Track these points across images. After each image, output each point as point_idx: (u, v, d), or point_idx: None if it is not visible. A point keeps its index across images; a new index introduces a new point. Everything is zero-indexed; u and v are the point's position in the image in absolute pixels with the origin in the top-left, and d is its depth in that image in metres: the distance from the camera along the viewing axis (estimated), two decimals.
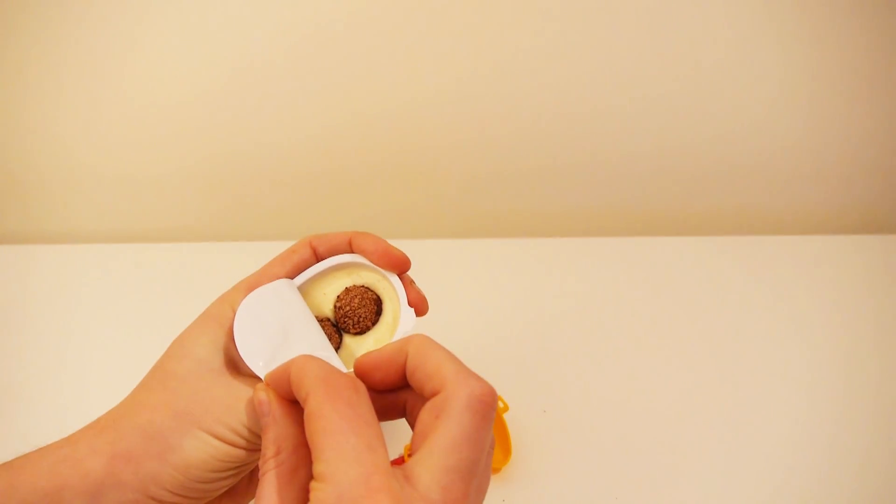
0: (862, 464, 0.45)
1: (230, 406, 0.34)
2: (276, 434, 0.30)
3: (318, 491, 0.25)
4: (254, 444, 0.34)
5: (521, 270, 0.69)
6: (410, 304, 0.39)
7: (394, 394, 0.33)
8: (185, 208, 0.80)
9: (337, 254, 0.41)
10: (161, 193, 0.80)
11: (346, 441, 0.26)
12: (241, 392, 0.35)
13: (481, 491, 0.28)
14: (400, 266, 0.40)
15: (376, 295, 0.40)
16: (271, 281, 0.39)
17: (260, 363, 0.35)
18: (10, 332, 0.58)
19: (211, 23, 0.72)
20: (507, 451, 0.47)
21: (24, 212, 0.81)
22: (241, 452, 0.34)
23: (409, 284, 0.40)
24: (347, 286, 0.41)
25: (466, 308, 0.63)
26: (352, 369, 0.34)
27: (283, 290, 0.39)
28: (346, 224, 0.81)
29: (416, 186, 0.79)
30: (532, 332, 0.60)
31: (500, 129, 0.77)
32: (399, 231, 0.81)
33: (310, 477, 0.27)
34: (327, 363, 0.30)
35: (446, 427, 0.27)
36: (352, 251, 0.42)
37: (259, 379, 0.35)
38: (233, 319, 0.37)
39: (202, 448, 0.33)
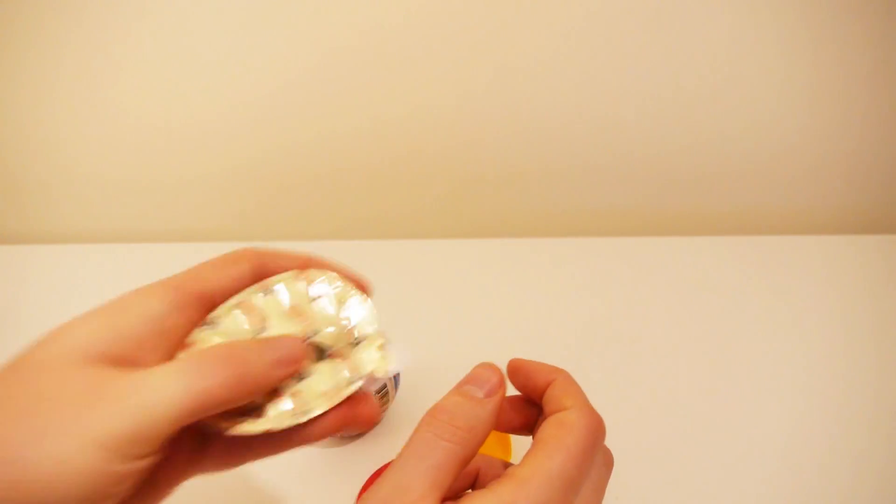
0: (862, 464, 0.45)
1: (117, 406, 0.25)
2: (488, 414, 0.29)
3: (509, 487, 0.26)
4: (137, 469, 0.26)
5: (521, 270, 0.69)
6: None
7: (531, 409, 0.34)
8: (185, 209, 0.80)
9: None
10: (160, 194, 0.79)
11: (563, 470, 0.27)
12: (133, 388, 0.26)
13: None
14: (364, 290, 0.36)
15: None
16: (203, 285, 0.32)
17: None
18: (10, 332, 0.58)
19: (213, 27, 0.72)
20: (506, 450, 0.47)
21: (23, 212, 0.81)
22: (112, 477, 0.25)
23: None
24: None
25: (466, 308, 0.63)
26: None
27: None
28: (345, 226, 0.80)
29: (416, 187, 0.79)
30: (532, 331, 0.60)
31: (501, 130, 0.77)
32: (399, 231, 0.80)
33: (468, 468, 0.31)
34: None
35: (567, 435, 0.28)
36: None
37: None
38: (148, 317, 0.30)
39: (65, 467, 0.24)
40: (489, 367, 0.32)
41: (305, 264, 0.35)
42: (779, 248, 0.72)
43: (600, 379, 0.53)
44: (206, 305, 0.32)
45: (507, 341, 0.58)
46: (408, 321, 0.61)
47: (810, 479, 0.44)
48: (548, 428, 0.29)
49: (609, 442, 0.47)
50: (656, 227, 0.79)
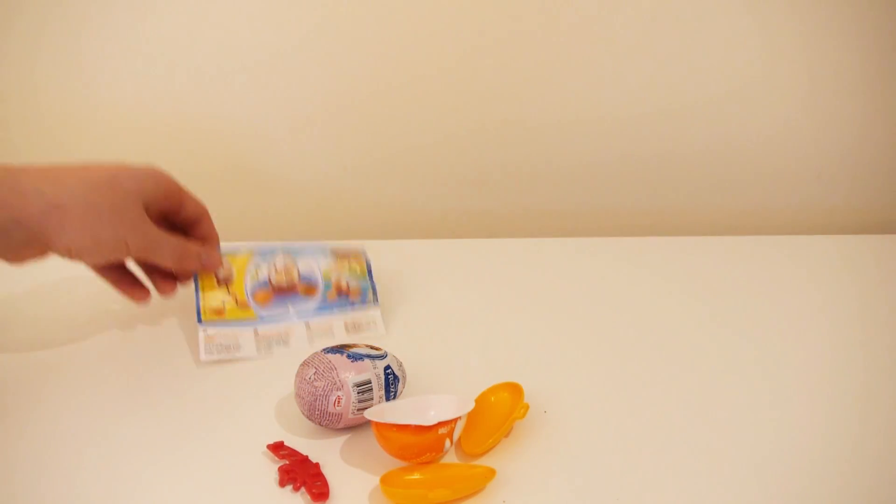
0: (863, 464, 0.45)
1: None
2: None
3: None
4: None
5: (521, 270, 0.69)
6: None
7: None
8: None
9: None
10: None
11: None
12: (151, 227, 0.52)
13: None
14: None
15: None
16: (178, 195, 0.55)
17: None
18: (10, 332, 0.58)
19: (204, 23, 0.72)
20: (519, 396, 0.48)
21: None
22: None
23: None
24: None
25: (466, 308, 0.63)
26: None
27: None
28: (346, 226, 0.80)
29: (417, 187, 0.79)
30: (532, 331, 0.60)
31: (502, 130, 0.77)
32: (401, 231, 0.80)
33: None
34: None
35: None
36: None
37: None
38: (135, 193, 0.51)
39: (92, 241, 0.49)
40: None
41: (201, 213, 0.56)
42: (779, 248, 0.72)
43: (600, 378, 0.53)
44: (178, 208, 0.55)
45: (506, 341, 0.58)
46: (409, 321, 0.61)
47: (812, 479, 0.44)
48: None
49: (610, 441, 0.47)
50: (656, 227, 0.79)
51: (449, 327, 0.60)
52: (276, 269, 0.57)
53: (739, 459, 0.45)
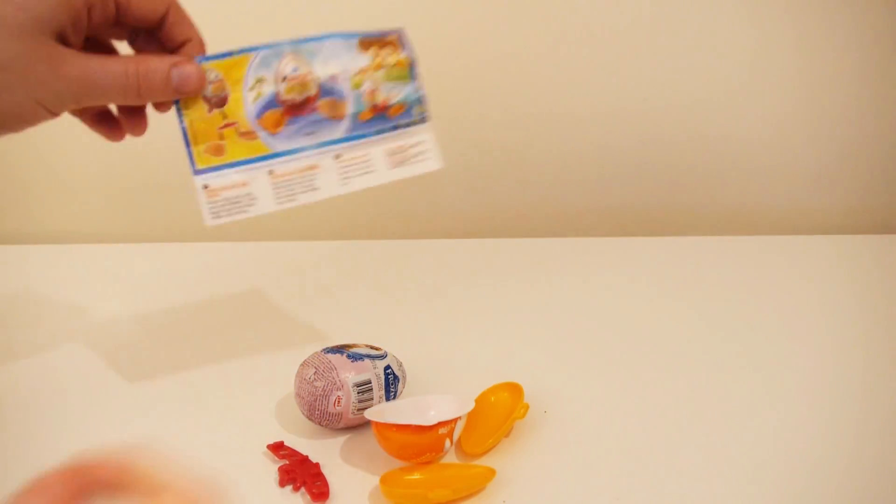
0: (863, 464, 0.45)
1: (61, 78, 0.36)
2: None
3: None
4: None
5: (521, 270, 0.69)
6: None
7: None
8: (184, 208, 0.80)
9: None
10: (161, 193, 0.79)
11: None
12: (76, 68, 0.37)
13: None
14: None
15: None
16: None
17: None
18: (11, 332, 0.58)
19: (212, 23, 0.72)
20: (519, 396, 0.48)
21: (24, 212, 0.81)
22: (48, 117, 0.37)
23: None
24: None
25: (467, 308, 0.63)
26: None
27: None
28: (346, 225, 0.80)
29: (418, 187, 0.79)
30: (532, 331, 0.60)
31: (502, 130, 0.77)
32: (401, 231, 0.80)
33: None
34: None
35: None
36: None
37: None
38: (81, 4, 0.38)
39: (16, 107, 0.36)
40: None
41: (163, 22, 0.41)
42: (779, 248, 0.72)
43: (601, 379, 0.53)
44: (116, 13, 0.39)
45: (506, 341, 0.58)
46: (409, 321, 0.61)
47: (811, 479, 0.44)
48: None
49: (610, 441, 0.47)
50: (656, 227, 0.79)
51: (449, 327, 0.60)
52: (285, 78, 0.42)
53: (739, 459, 0.45)
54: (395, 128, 0.43)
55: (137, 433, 0.47)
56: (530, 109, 0.76)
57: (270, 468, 0.44)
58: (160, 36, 0.41)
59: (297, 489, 0.42)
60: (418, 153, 0.44)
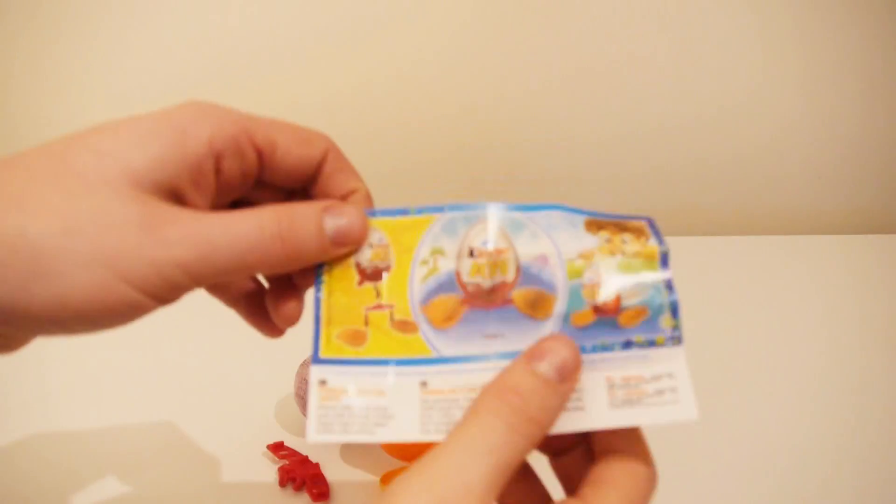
0: (863, 465, 0.45)
1: (161, 246, 0.24)
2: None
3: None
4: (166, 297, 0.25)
5: None
6: None
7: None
8: None
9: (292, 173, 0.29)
10: None
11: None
12: (184, 232, 0.24)
13: None
14: None
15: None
16: (268, 140, 0.28)
17: None
18: None
19: (205, 19, 0.72)
20: None
21: None
22: (149, 304, 0.25)
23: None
24: None
25: None
26: None
27: None
28: None
29: (421, 187, 0.79)
30: None
31: (505, 130, 0.77)
32: None
33: None
34: None
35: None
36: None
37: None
38: (205, 153, 0.26)
39: (95, 288, 0.24)
40: (563, 340, 0.25)
41: (348, 195, 0.30)
42: (779, 248, 0.72)
43: None
44: (258, 164, 0.28)
45: None
46: None
47: (811, 480, 0.44)
48: (621, 477, 0.26)
49: None
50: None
51: None
52: (472, 253, 0.28)
53: (739, 459, 0.45)
54: (629, 345, 0.28)
55: (137, 433, 0.47)
56: (534, 110, 0.75)
57: (270, 468, 0.44)
58: (314, 192, 0.30)
59: (297, 489, 0.42)
60: (660, 391, 0.28)
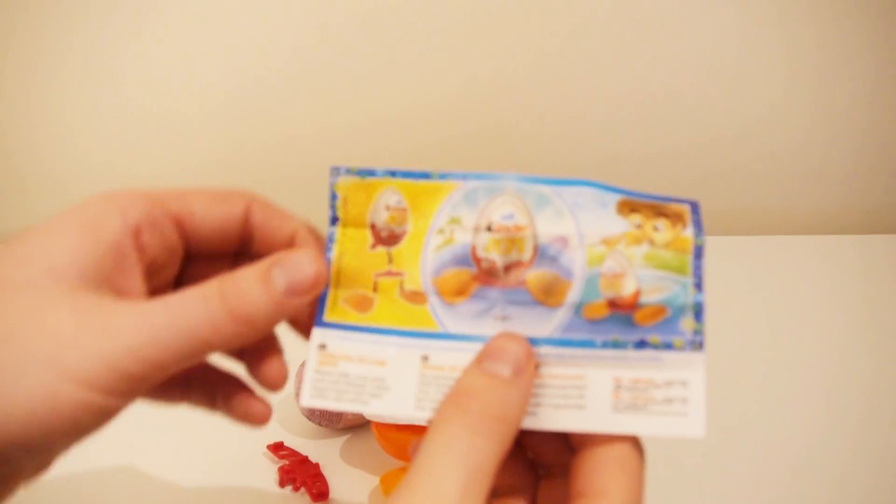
0: (864, 465, 0.45)
1: (103, 336, 0.23)
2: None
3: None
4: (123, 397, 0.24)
5: None
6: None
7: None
8: None
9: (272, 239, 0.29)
10: None
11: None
12: (124, 319, 0.23)
13: None
14: None
15: None
16: (185, 209, 0.27)
17: None
18: None
19: (214, 23, 0.72)
20: None
21: (25, 212, 0.81)
22: (106, 401, 0.23)
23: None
24: None
25: None
26: None
27: None
28: None
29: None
30: None
31: (504, 130, 0.77)
32: None
33: None
34: None
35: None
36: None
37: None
38: (120, 232, 0.25)
39: (40, 393, 0.22)
40: (509, 336, 0.25)
41: (291, 240, 0.28)
42: (779, 248, 0.72)
43: None
44: (180, 234, 0.27)
45: None
46: None
47: (811, 480, 0.44)
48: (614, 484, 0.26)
49: None
50: None
51: None
52: (490, 227, 0.27)
53: (739, 459, 0.45)
54: (642, 345, 0.26)
55: (137, 432, 0.47)
56: (534, 110, 0.75)
57: (270, 468, 0.44)
58: (255, 250, 0.29)
59: (297, 489, 0.42)
60: (669, 400, 0.26)
